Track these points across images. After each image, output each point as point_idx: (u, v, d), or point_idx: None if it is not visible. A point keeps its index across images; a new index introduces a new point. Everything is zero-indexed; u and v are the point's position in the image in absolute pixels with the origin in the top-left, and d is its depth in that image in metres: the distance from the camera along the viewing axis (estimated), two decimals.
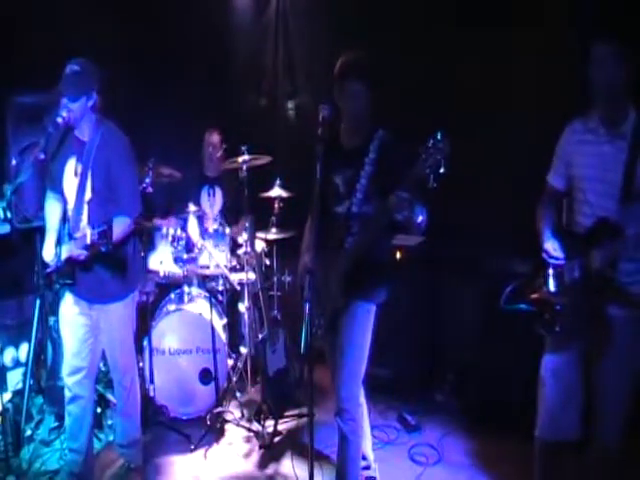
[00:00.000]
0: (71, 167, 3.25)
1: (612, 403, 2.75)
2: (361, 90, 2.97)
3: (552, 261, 2.83)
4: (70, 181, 3.25)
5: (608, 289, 2.61)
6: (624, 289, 2.66)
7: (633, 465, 3.06)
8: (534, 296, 2.90)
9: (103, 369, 4.07)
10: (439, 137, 2.53)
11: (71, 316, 3.35)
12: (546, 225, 2.91)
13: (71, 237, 3.17)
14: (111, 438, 3.93)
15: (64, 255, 3.10)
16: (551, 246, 2.84)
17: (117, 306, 3.34)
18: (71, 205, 3.25)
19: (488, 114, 4.39)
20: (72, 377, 3.36)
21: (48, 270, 3.22)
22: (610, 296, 2.63)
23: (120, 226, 3.15)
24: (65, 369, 3.39)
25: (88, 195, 3.21)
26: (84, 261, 3.12)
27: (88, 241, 2.95)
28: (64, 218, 3.34)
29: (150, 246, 4.32)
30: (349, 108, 3.03)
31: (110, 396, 4.04)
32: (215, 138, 4.95)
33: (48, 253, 3.25)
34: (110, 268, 3.27)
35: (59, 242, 3.23)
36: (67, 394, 3.40)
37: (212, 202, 4.88)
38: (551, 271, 2.84)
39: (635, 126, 2.65)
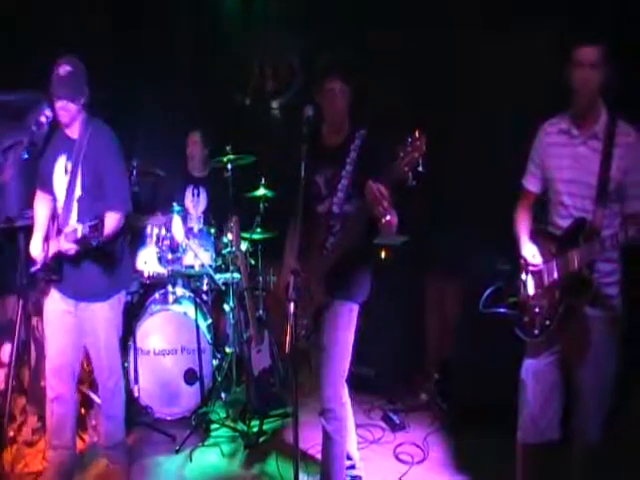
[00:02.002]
0: (61, 165, 3.25)
1: (592, 402, 2.77)
2: (341, 89, 2.99)
3: (530, 268, 2.85)
4: (60, 179, 3.25)
5: (585, 290, 2.62)
6: (600, 290, 2.68)
7: (614, 461, 3.09)
8: (513, 299, 2.92)
9: (87, 369, 4.05)
10: (417, 135, 2.52)
11: (55, 314, 3.34)
12: (522, 231, 2.93)
13: (60, 234, 3.15)
14: (95, 439, 3.91)
15: (52, 250, 3.09)
16: (529, 253, 2.86)
17: (102, 306, 3.32)
18: (61, 203, 3.25)
19: (481, 115, 4.41)
20: (55, 376, 3.34)
21: (33, 269, 3.20)
22: (587, 297, 2.64)
23: (111, 222, 3.15)
24: (48, 368, 3.37)
25: (78, 193, 3.21)
26: (73, 256, 3.10)
27: (79, 235, 2.94)
28: (53, 216, 3.33)
29: (139, 244, 4.31)
30: (330, 108, 3.04)
31: (94, 397, 4.01)
32: (197, 138, 4.92)
33: (35, 248, 3.24)
34: (98, 265, 3.26)
35: (47, 239, 3.22)
36: (49, 393, 3.38)
37: (196, 202, 4.87)
38: (529, 274, 2.86)
39: (608, 126, 2.66)
